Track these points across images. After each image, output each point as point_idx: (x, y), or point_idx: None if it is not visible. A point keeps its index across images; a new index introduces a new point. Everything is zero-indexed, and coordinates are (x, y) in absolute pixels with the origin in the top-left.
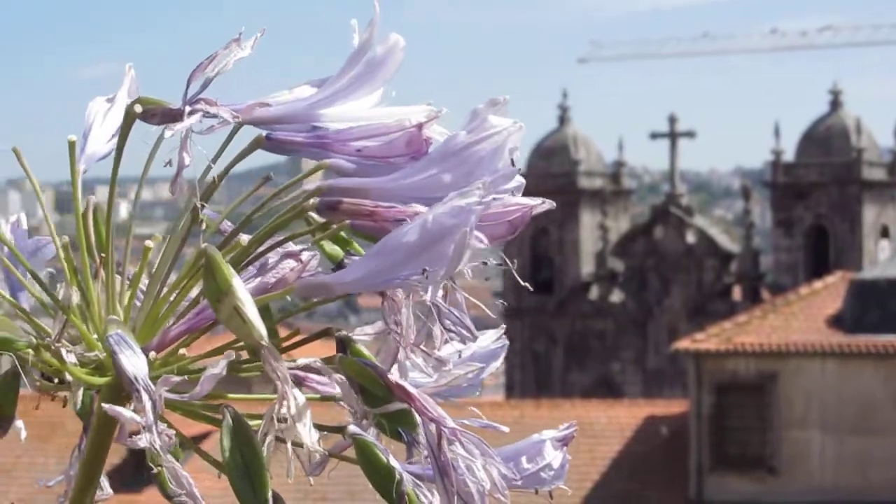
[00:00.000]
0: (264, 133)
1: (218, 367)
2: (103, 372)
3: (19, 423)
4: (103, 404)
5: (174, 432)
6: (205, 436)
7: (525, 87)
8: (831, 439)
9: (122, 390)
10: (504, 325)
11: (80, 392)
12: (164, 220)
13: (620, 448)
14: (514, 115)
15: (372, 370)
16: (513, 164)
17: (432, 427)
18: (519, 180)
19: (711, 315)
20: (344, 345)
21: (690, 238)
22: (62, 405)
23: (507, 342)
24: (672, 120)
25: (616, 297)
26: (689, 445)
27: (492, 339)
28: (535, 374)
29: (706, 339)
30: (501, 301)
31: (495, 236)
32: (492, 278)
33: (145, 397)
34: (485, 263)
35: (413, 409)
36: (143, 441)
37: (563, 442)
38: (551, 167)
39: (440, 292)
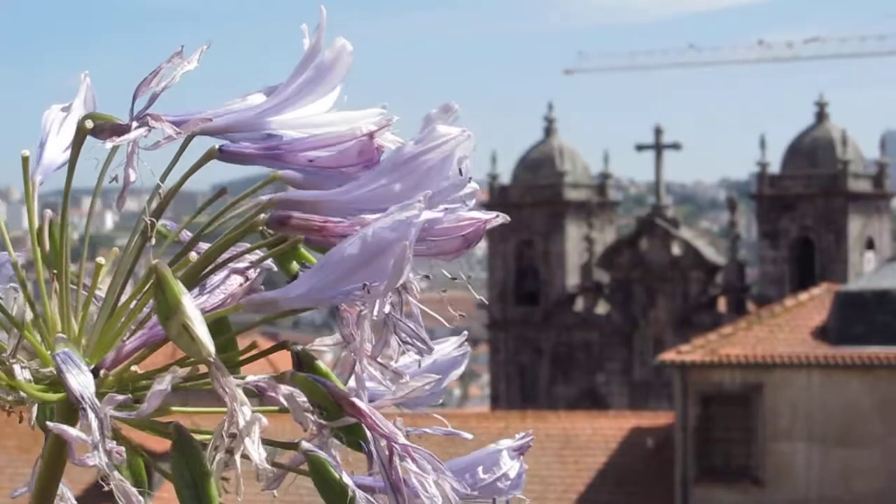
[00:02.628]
0: (217, 145)
1: (163, 383)
2: (58, 388)
3: None
4: (48, 423)
5: (123, 449)
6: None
7: (511, 99)
8: (816, 450)
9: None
10: (465, 332)
11: (35, 408)
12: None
13: (606, 460)
14: (499, 127)
15: (322, 386)
16: (461, 173)
17: (383, 443)
18: (472, 188)
19: (697, 327)
20: (300, 358)
21: (676, 250)
22: (18, 420)
23: (469, 349)
24: (658, 132)
25: (601, 308)
26: (674, 457)
27: (454, 346)
28: (520, 386)
29: (692, 351)
30: (460, 314)
31: (450, 251)
32: (478, 290)
33: (91, 415)
34: (427, 277)
35: (364, 427)
36: (91, 459)
37: (520, 451)
38: (537, 179)
39: (388, 305)
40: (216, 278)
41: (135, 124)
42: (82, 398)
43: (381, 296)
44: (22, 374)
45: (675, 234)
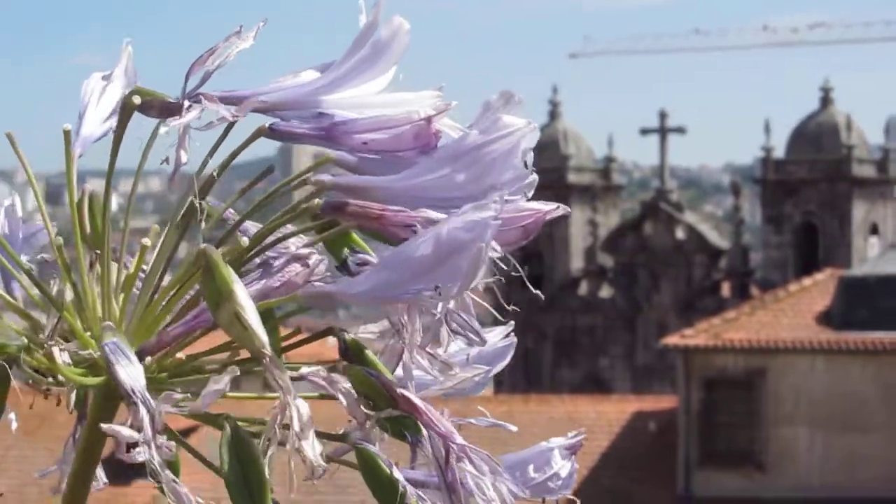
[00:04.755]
0: (267, 124)
1: (220, 382)
2: (97, 371)
3: (11, 415)
4: (101, 425)
5: (174, 444)
6: (193, 429)
7: (516, 82)
8: (819, 436)
9: (117, 390)
10: (512, 322)
11: (74, 393)
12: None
13: (609, 444)
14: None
15: (377, 381)
16: (526, 165)
17: (439, 442)
18: (532, 179)
19: (700, 311)
20: (347, 346)
21: (680, 234)
22: (56, 403)
23: (515, 339)
24: (662, 116)
25: (605, 292)
26: (677, 441)
27: (499, 336)
28: (524, 370)
29: (695, 335)
30: (514, 307)
31: (508, 241)
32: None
33: (143, 411)
34: (495, 274)
35: (420, 423)
36: (141, 455)
37: (572, 451)
38: (541, 162)
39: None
40: (276, 263)
41: (187, 103)
42: (133, 392)
43: (454, 297)
44: (61, 356)
45: (679, 219)
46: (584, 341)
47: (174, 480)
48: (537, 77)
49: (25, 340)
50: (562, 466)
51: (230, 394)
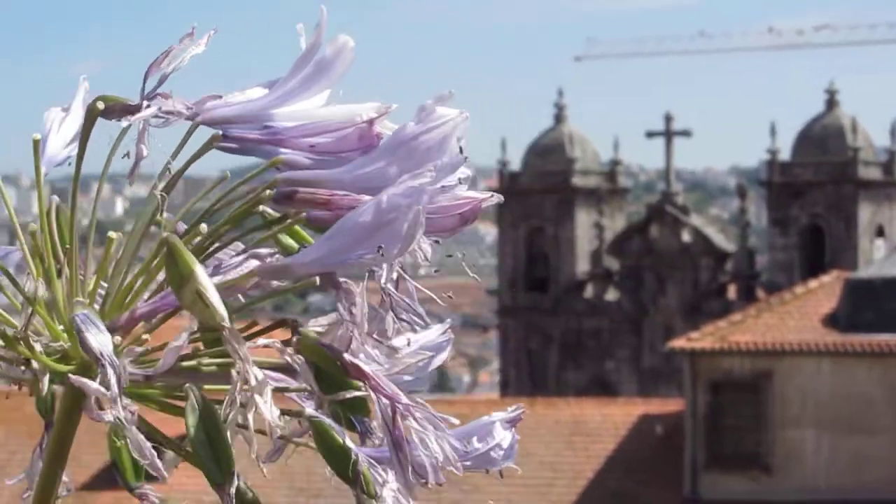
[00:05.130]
0: (220, 132)
1: (179, 339)
2: (68, 361)
3: None
4: (70, 375)
5: (136, 407)
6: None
7: (521, 85)
8: (826, 438)
9: (86, 376)
10: (450, 320)
11: (46, 378)
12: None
13: (615, 446)
14: (510, 114)
15: (328, 351)
16: (461, 151)
17: (386, 403)
18: (466, 171)
19: (706, 314)
20: (298, 332)
21: (686, 237)
22: (29, 394)
23: (453, 336)
24: (668, 118)
25: (611, 295)
26: (683, 444)
27: (438, 332)
28: (530, 373)
29: (701, 338)
30: (449, 294)
31: (446, 228)
32: (488, 277)
33: (110, 371)
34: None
35: (368, 388)
36: (108, 415)
37: (512, 423)
38: (547, 165)
39: (392, 279)
40: (232, 260)
41: (146, 103)
42: (101, 355)
43: (395, 258)
44: (35, 346)
45: (685, 221)
46: (590, 344)
47: (137, 434)
48: (542, 80)
49: (6, 330)
50: (503, 437)
51: (208, 386)
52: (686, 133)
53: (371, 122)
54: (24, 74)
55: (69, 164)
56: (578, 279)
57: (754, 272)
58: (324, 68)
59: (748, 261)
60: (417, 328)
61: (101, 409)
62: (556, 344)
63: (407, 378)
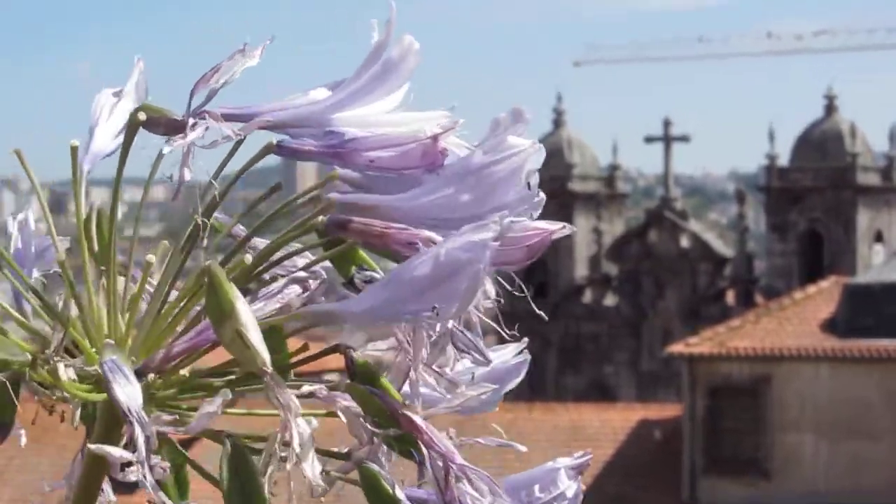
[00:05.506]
0: (275, 140)
1: (213, 405)
2: (101, 388)
3: (21, 430)
4: (90, 445)
5: (168, 465)
6: (195, 438)
7: (519, 90)
8: (825, 443)
9: None
10: (526, 339)
11: (79, 409)
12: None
13: (614, 451)
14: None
15: (380, 400)
16: (530, 186)
17: (439, 462)
18: (539, 200)
19: (705, 319)
20: (353, 363)
21: (684, 242)
22: (60, 419)
23: (529, 357)
24: (667, 124)
25: (610, 300)
26: (682, 449)
27: (512, 353)
28: (528, 378)
29: (700, 343)
30: (515, 333)
31: (513, 261)
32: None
33: (138, 430)
34: (499, 293)
35: (420, 444)
36: (134, 475)
37: (578, 470)
38: (546, 170)
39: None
40: (274, 286)
41: (192, 121)
42: (129, 412)
43: (451, 318)
44: (66, 372)
45: (683, 227)
46: (589, 349)
47: (165, 501)
48: (541, 85)
49: (29, 356)
50: (568, 486)
51: (235, 410)
52: (685, 138)
53: (435, 138)
54: (22, 76)
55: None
56: (577, 284)
57: (753, 277)
58: (390, 70)
59: (747, 266)
60: (478, 364)
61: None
62: (554, 348)
63: (474, 404)
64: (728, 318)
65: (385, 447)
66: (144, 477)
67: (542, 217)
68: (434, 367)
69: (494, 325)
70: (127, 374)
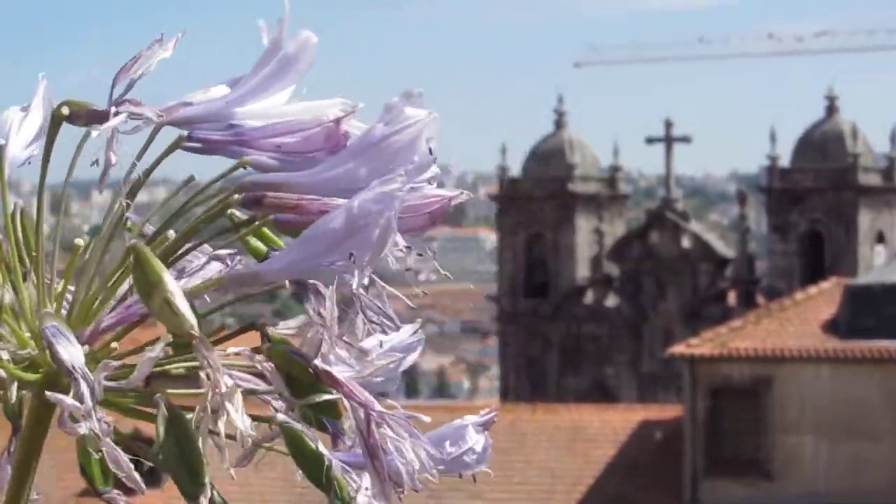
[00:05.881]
0: (185, 132)
1: (155, 349)
2: (36, 369)
3: None
4: (45, 391)
5: (111, 419)
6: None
7: (521, 91)
8: (825, 444)
9: (55, 386)
10: (420, 320)
11: (14, 388)
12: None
13: (615, 452)
14: (509, 120)
15: (300, 358)
16: (430, 152)
17: (361, 411)
18: (435, 170)
19: (706, 320)
20: (269, 339)
21: (686, 243)
22: None
23: (424, 336)
24: (668, 124)
25: (611, 301)
26: (683, 450)
27: (409, 332)
28: (529, 379)
29: (701, 344)
30: (423, 292)
31: (415, 227)
32: (488, 282)
33: (83, 385)
34: (408, 248)
35: (341, 395)
36: (82, 428)
37: (485, 426)
38: (547, 171)
39: (363, 285)
40: (195, 263)
41: (114, 109)
42: (74, 368)
43: (366, 266)
44: (2, 354)
45: (684, 227)
46: (590, 350)
47: (114, 447)
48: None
49: None
50: (476, 441)
51: (176, 390)
52: (686, 139)
53: (337, 121)
54: (23, 75)
55: (28, 163)
56: (578, 285)
57: (754, 278)
58: (287, 65)
59: (748, 267)
60: (388, 331)
61: (75, 421)
62: (555, 349)
63: (378, 380)
64: (729, 319)
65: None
66: (92, 426)
67: (543, 217)
68: (344, 338)
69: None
70: (68, 336)
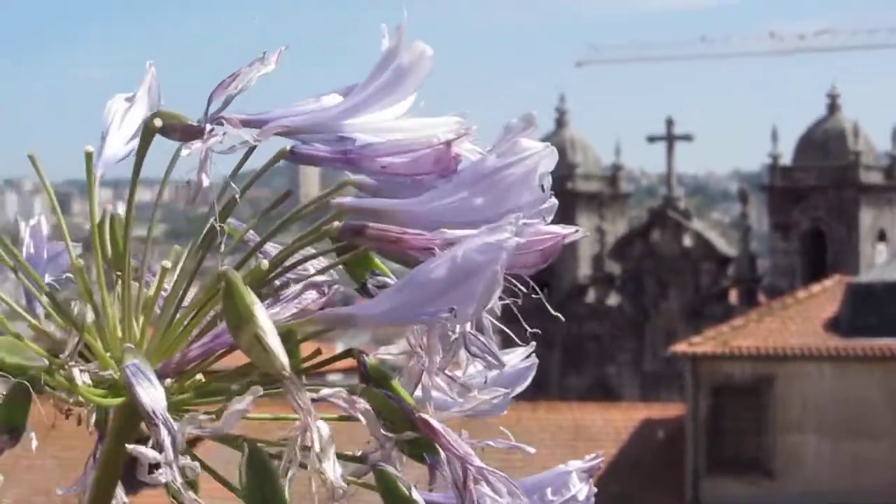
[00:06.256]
0: (289, 146)
1: (242, 402)
2: (117, 392)
3: (31, 434)
4: (128, 446)
5: (198, 465)
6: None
7: (522, 90)
8: (827, 443)
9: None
10: (534, 343)
11: (94, 414)
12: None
13: (617, 451)
14: (509, 119)
15: (396, 404)
16: (543, 189)
17: (458, 465)
18: (551, 203)
19: (708, 318)
20: (367, 368)
21: (687, 241)
22: (76, 423)
23: (537, 360)
24: (669, 123)
25: (613, 300)
26: (685, 449)
27: (520, 357)
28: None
29: (703, 343)
30: (535, 330)
31: (526, 265)
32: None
33: (164, 432)
34: (514, 296)
35: (438, 446)
36: (163, 477)
37: (589, 473)
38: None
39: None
40: (291, 291)
41: (209, 127)
42: (154, 414)
43: (468, 320)
44: (81, 377)
45: (686, 226)
46: (592, 348)
47: (196, 500)
48: (544, 85)
49: (46, 361)
50: (580, 489)
51: (252, 416)
52: (687, 137)
53: (448, 144)
54: (25, 78)
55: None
56: (580, 283)
57: (756, 276)
58: (401, 77)
59: (750, 265)
60: (492, 368)
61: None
62: (557, 348)
63: (484, 408)
64: (731, 318)
65: (398, 452)
66: (174, 478)
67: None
68: (446, 371)
69: (503, 328)
70: (150, 376)
